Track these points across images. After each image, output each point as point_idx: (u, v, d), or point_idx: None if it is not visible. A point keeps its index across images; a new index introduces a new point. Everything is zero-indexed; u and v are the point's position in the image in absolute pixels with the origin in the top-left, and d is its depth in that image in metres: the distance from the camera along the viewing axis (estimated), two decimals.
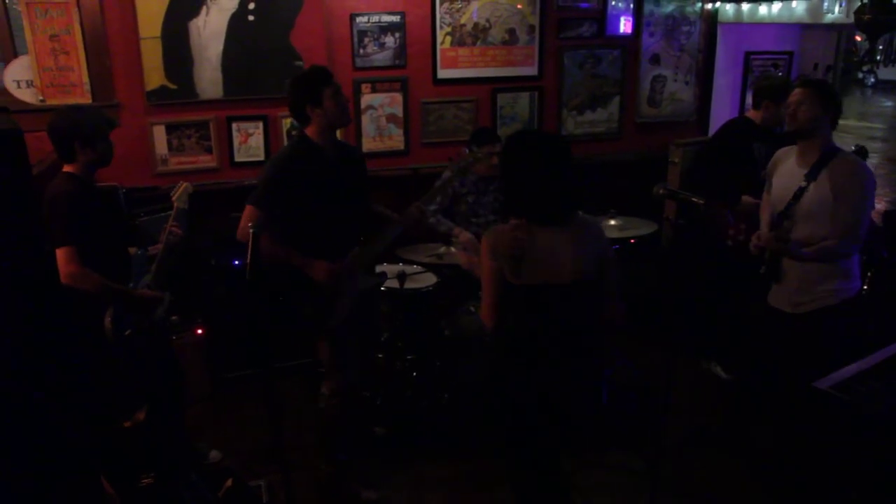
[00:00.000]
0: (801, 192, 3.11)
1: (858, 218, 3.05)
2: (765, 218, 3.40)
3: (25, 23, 4.13)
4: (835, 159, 3.08)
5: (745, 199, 3.86)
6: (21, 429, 1.59)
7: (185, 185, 3.44)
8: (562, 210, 2.57)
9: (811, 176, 3.10)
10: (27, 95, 4.24)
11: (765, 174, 3.50)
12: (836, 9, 4.31)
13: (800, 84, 3.24)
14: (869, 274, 4.19)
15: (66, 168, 3.03)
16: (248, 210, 3.06)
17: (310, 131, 3.18)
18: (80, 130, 2.98)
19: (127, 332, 3.01)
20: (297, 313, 3.23)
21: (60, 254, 2.84)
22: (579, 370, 2.64)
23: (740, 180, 3.99)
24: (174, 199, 3.39)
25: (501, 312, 2.60)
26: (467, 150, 3.39)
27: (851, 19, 3.97)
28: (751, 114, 4.33)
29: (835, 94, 3.19)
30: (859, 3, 3.86)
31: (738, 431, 3.66)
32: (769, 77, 5.21)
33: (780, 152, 3.40)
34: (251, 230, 2.84)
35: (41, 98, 4.25)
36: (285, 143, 4.76)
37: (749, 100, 5.80)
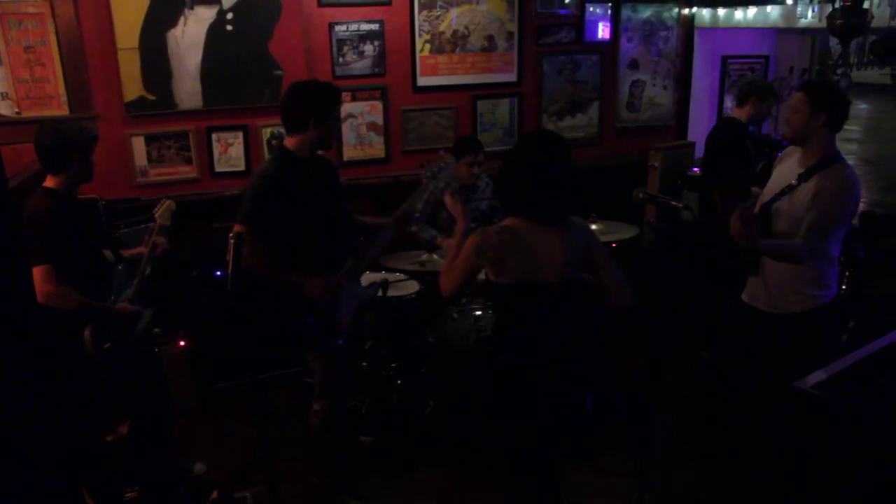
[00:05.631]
0: (789, 189, 3.10)
1: (827, 228, 3.00)
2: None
3: None
4: (830, 167, 3.02)
5: (755, 189, 3.88)
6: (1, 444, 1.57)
7: (168, 202, 3.41)
8: (560, 210, 2.58)
9: (804, 177, 3.06)
10: (2, 108, 4.20)
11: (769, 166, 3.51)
12: (810, 13, 4.38)
13: (798, 87, 3.18)
14: (847, 273, 4.24)
15: (47, 183, 2.98)
16: (238, 230, 2.91)
17: (293, 142, 3.09)
18: (79, 140, 2.97)
19: (106, 346, 2.98)
20: (295, 332, 3.18)
21: (37, 272, 2.78)
22: (567, 373, 2.65)
23: (741, 174, 4.05)
24: (157, 216, 3.35)
25: (461, 290, 2.68)
26: (441, 152, 3.37)
27: (824, 24, 4.02)
28: (735, 112, 4.42)
29: (832, 96, 3.05)
30: (831, 9, 3.92)
31: (724, 433, 3.67)
32: (751, 78, 5.36)
33: (788, 149, 3.38)
34: (231, 240, 2.82)
35: (17, 110, 4.20)
36: (266, 152, 4.75)
37: (728, 102, 5.90)
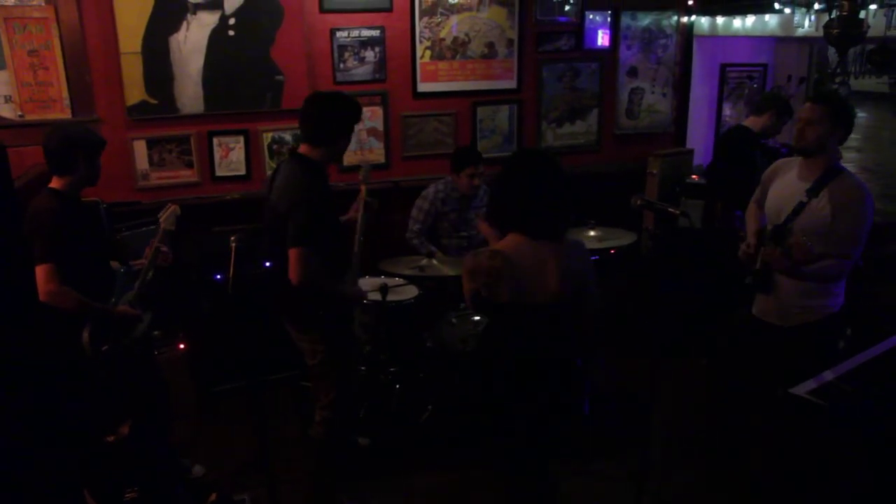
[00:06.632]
0: (800, 207, 3.07)
1: (855, 239, 3.02)
2: (751, 227, 3.39)
3: (3, 38, 4.11)
4: (837, 178, 3.03)
5: None
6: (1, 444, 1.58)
7: (173, 207, 3.42)
8: (558, 224, 2.58)
9: (812, 192, 3.05)
10: (6, 111, 4.22)
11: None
12: (806, 23, 4.41)
13: (812, 99, 3.14)
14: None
15: (52, 184, 3.01)
16: (299, 252, 2.88)
17: (319, 153, 3.06)
18: (85, 142, 3.01)
19: (104, 348, 3.00)
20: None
21: (40, 271, 2.82)
22: (564, 382, 2.67)
23: (745, 184, 4.07)
24: (161, 220, 3.37)
25: (479, 306, 2.69)
26: (361, 166, 3.58)
27: (821, 33, 4.05)
28: (749, 121, 4.44)
29: (847, 110, 3.06)
30: (828, 18, 3.94)
31: (722, 437, 3.69)
32: (774, 92, 5.37)
33: (780, 162, 3.37)
34: (233, 244, 2.85)
35: (20, 113, 4.22)
36: (266, 156, 4.78)
37: (727, 110, 5.93)
